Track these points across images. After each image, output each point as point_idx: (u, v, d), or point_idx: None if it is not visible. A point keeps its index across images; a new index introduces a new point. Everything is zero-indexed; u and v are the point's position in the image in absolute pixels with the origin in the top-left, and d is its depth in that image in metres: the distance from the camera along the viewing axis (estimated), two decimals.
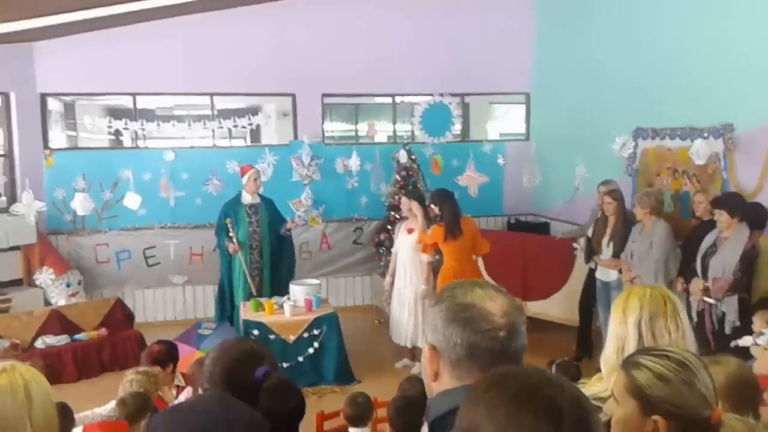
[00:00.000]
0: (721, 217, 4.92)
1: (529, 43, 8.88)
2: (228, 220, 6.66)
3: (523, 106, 9.31)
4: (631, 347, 2.01)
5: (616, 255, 5.97)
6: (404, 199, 6.50)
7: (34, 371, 1.74)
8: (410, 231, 6.43)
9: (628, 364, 1.67)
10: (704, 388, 1.57)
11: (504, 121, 10.53)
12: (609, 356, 2.10)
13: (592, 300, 6.38)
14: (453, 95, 8.74)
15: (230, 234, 6.63)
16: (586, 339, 6.58)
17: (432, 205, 6.14)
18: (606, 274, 6.09)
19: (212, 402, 1.55)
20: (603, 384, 2.07)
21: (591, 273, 6.39)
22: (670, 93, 6.37)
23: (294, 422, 1.94)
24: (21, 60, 7.67)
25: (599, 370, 5.41)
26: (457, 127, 8.94)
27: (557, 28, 8.48)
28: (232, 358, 1.91)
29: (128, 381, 3.86)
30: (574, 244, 6.76)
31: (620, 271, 5.93)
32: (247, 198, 6.82)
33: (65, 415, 3.59)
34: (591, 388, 2.10)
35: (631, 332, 2.04)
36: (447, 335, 1.38)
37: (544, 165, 8.10)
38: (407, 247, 6.42)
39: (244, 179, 6.88)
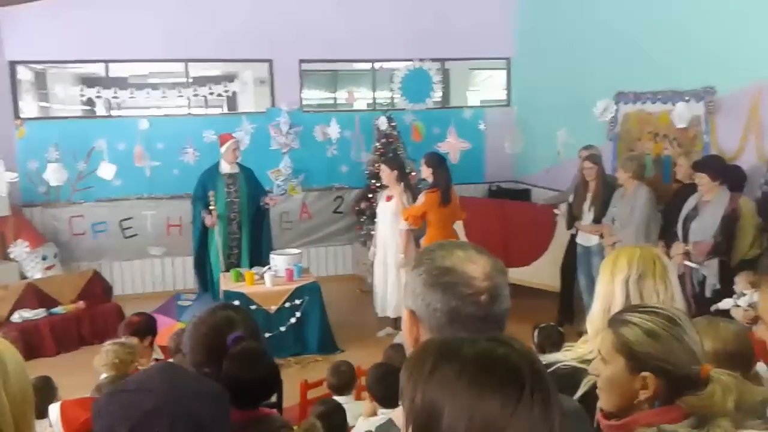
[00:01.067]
0: (702, 180, 4.91)
1: (510, 6, 8.76)
2: (211, 193, 6.49)
3: (504, 72, 9.23)
4: (617, 306, 1.98)
5: (597, 220, 5.97)
6: (384, 167, 6.39)
7: (5, 342, 1.59)
8: (389, 199, 6.38)
9: (616, 321, 1.65)
10: (693, 344, 1.56)
11: (484, 87, 10.44)
12: (595, 316, 2.08)
13: (574, 266, 6.39)
14: (433, 60, 8.63)
15: (211, 207, 6.48)
16: (568, 304, 6.61)
17: (426, 169, 6.08)
18: (587, 239, 6.10)
19: (158, 378, 1.44)
20: (589, 345, 2.05)
21: (572, 239, 6.40)
22: (652, 56, 6.33)
23: (262, 393, 1.84)
24: None
25: (581, 335, 5.43)
26: (438, 94, 8.84)
27: None
28: (209, 325, 1.85)
29: (105, 351, 3.80)
30: (555, 210, 6.75)
31: (602, 236, 5.94)
32: (225, 168, 6.68)
33: (48, 388, 3.53)
34: (577, 349, 2.07)
35: (618, 291, 2.01)
36: (427, 300, 1.32)
37: (525, 131, 8.06)
38: (386, 215, 6.37)
39: (223, 149, 6.70)
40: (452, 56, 8.88)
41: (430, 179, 6.12)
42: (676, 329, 1.56)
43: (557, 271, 6.70)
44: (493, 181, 8.93)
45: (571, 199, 6.32)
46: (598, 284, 2.11)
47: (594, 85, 7.01)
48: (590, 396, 1.75)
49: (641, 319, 1.59)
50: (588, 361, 1.91)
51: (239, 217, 6.67)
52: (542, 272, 6.81)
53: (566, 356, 2.03)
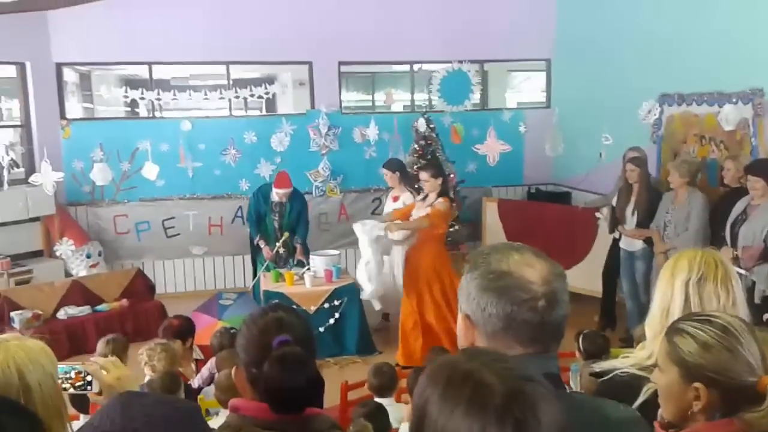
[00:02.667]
0: (757, 184, 4.78)
1: (550, 7, 8.67)
2: (265, 250, 6.65)
3: (543, 74, 9.14)
4: (676, 309, 1.95)
5: (641, 224, 5.86)
6: (385, 170, 6.57)
7: (31, 348, 1.55)
8: (396, 199, 6.52)
9: (672, 330, 1.62)
10: (749, 355, 1.51)
11: (523, 89, 10.36)
12: (654, 318, 2.04)
13: (616, 270, 6.30)
14: (472, 62, 8.58)
15: (261, 246, 6.65)
16: (610, 310, 6.52)
17: (434, 180, 5.74)
18: (631, 243, 6.00)
19: (113, 414, 1.35)
20: (647, 350, 2.01)
21: (615, 243, 6.30)
22: (697, 57, 6.19)
23: (301, 399, 1.76)
24: (36, 30, 7.61)
25: (623, 341, 5.37)
26: (476, 96, 8.79)
27: None
28: (259, 326, 1.82)
29: (147, 354, 3.86)
30: (597, 214, 6.66)
31: (645, 241, 5.83)
32: (275, 197, 6.64)
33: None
34: (636, 355, 2.03)
35: (677, 293, 1.97)
36: (482, 305, 1.30)
37: (565, 133, 7.92)
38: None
39: (279, 190, 6.55)
40: (491, 58, 8.82)
41: (431, 189, 5.78)
42: (730, 339, 1.52)
43: (599, 276, 6.60)
44: (533, 184, 8.85)
45: (614, 202, 6.22)
46: (657, 287, 2.08)
47: (637, 86, 6.89)
48: (651, 404, 1.71)
49: (694, 329, 1.56)
50: (647, 368, 1.88)
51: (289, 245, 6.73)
52: (583, 277, 6.71)
53: (624, 363, 1.99)
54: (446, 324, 5.73)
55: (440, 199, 5.71)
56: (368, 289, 6.09)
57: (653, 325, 2.02)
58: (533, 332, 1.29)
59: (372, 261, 6.00)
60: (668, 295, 1.99)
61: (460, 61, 8.49)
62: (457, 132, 8.39)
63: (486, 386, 0.98)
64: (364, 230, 5.98)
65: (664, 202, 5.67)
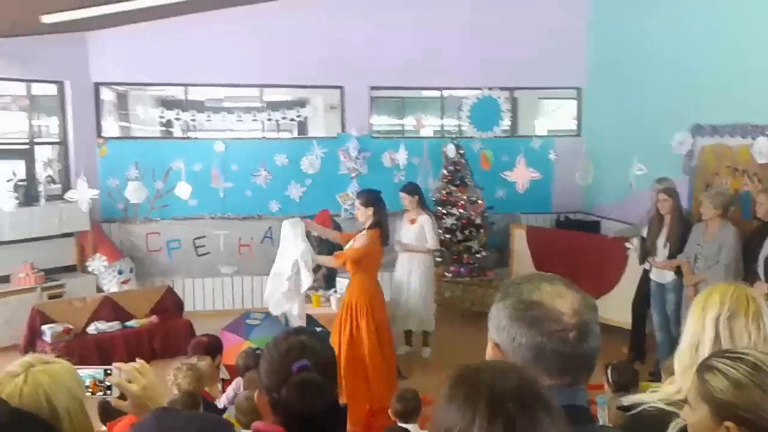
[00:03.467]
0: None
1: (581, 36, 8.71)
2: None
3: (574, 102, 9.15)
4: (706, 345, 1.93)
5: (672, 256, 5.79)
6: (404, 194, 6.57)
7: (57, 372, 1.55)
8: (413, 222, 6.55)
9: (703, 367, 1.61)
10: None
11: (553, 117, 10.35)
12: (683, 354, 2.02)
13: (646, 302, 6.22)
14: (502, 89, 8.62)
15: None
16: (639, 342, 6.43)
17: (365, 209, 5.53)
18: (661, 275, 5.92)
19: (147, 425, 1.38)
20: (675, 385, 1.99)
21: (645, 274, 6.23)
22: (730, 89, 6.16)
23: (318, 426, 1.74)
24: (75, 49, 7.84)
25: (652, 374, 5.27)
26: (506, 122, 8.82)
27: (611, 20, 8.29)
28: (280, 350, 1.82)
29: (173, 374, 3.90)
30: (627, 244, 6.60)
31: (676, 273, 5.75)
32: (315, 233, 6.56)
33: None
34: (664, 390, 2.02)
35: (708, 329, 1.95)
36: (511, 334, 1.30)
37: (596, 162, 7.92)
38: (410, 238, 6.57)
39: (315, 223, 6.50)
40: (522, 85, 8.86)
41: (366, 220, 5.54)
42: (762, 377, 1.51)
43: (628, 307, 6.53)
44: (561, 212, 8.81)
45: (644, 233, 6.17)
46: (687, 321, 2.06)
47: (668, 116, 6.86)
48: None
49: (726, 366, 1.55)
50: (675, 403, 1.86)
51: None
52: (612, 307, 6.63)
53: (652, 397, 1.97)
54: (376, 360, 5.47)
55: (363, 232, 5.50)
56: (282, 305, 5.60)
57: (682, 360, 2.00)
58: (563, 364, 1.28)
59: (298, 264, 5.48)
60: (698, 330, 1.98)
61: (491, 88, 8.53)
62: (487, 158, 8.42)
63: (487, 381, 1.03)
64: (295, 229, 5.47)
65: (694, 234, 5.60)
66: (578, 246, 7.23)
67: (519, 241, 8.06)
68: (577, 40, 8.68)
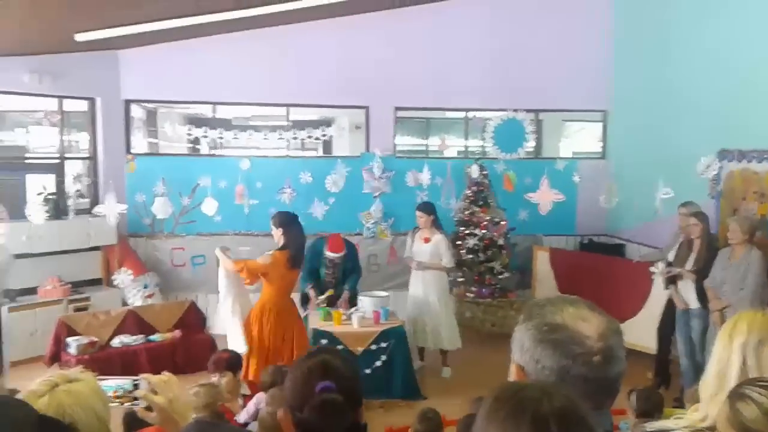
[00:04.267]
0: None
1: (607, 59, 8.70)
2: (311, 291, 6.57)
3: (599, 124, 9.13)
4: (733, 372, 1.91)
5: (699, 281, 5.72)
6: (420, 213, 6.69)
7: (81, 392, 1.57)
8: (427, 240, 6.67)
9: (734, 395, 1.59)
10: None
11: (577, 139, 10.34)
12: (709, 381, 2.00)
13: (671, 327, 6.14)
14: (527, 111, 8.63)
15: (311, 296, 6.58)
16: (664, 368, 6.34)
17: (276, 230, 5.66)
18: (687, 300, 5.85)
19: None
20: (700, 412, 1.97)
21: (670, 299, 6.16)
22: (758, 114, 6.10)
23: None
24: (107, 67, 8.01)
25: (677, 401, 5.19)
26: (530, 144, 8.82)
27: (638, 43, 8.28)
28: (303, 369, 1.82)
29: (194, 393, 3.91)
30: (652, 268, 6.52)
31: (700, 299, 5.68)
32: (331, 255, 6.60)
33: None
34: (689, 417, 1.99)
35: (735, 356, 1.93)
36: (535, 357, 1.30)
37: (621, 185, 7.87)
38: (425, 256, 6.68)
39: (333, 254, 6.53)
40: (546, 107, 8.87)
41: (279, 240, 5.66)
42: None
43: (653, 332, 6.44)
44: (585, 234, 8.76)
45: (670, 257, 6.11)
46: (714, 348, 2.04)
47: (695, 140, 6.81)
48: None
49: (760, 396, 1.53)
50: (700, 431, 1.84)
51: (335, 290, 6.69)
52: (637, 332, 6.54)
53: (677, 424, 1.96)
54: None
55: (269, 252, 5.61)
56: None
57: (708, 388, 1.98)
58: (587, 388, 1.27)
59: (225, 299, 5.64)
60: (725, 358, 1.96)
61: (515, 110, 8.55)
62: (510, 179, 8.41)
63: (532, 400, 1.02)
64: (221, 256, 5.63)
65: (720, 259, 5.54)
66: (602, 269, 7.17)
67: (542, 262, 8.03)
68: (604, 64, 8.68)
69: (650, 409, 3.54)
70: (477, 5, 8.48)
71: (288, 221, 5.69)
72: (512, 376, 1.37)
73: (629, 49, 8.47)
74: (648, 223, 7.58)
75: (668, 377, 6.28)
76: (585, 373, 1.26)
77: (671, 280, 6.03)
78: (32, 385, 1.54)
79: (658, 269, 6.28)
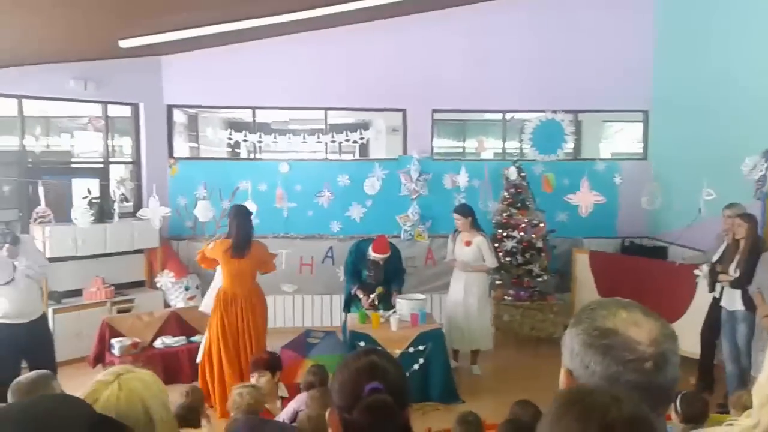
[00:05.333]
0: None
1: (648, 59, 8.56)
2: (377, 291, 6.65)
3: (640, 125, 8.98)
4: None
5: (741, 282, 5.59)
6: (458, 215, 6.75)
7: (146, 380, 1.60)
8: (468, 243, 6.69)
9: None
10: None
11: (617, 140, 10.18)
12: (761, 386, 1.94)
13: (716, 331, 6.00)
14: (566, 112, 8.54)
15: (361, 296, 6.67)
16: (708, 373, 6.20)
17: (230, 220, 5.95)
18: (732, 303, 5.72)
19: None
20: (752, 418, 1.92)
21: (715, 302, 6.02)
22: None
23: None
24: (150, 73, 8.18)
25: (721, 406, 5.08)
26: (569, 145, 8.72)
27: (679, 43, 8.13)
28: (351, 370, 1.82)
29: (237, 394, 3.97)
30: (696, 271, 6.39)
31: (745, 303, 5.55)
32: (375, 257, 6.65)
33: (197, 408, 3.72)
34: (740, 423, 1.94)
35: None
36: (585, 362, 1.26)
37: (663, 186, 7.74)
38: (467, 259, 6.72)
39: (375, 254, 6.60)
40: (586, 108, 8.76)
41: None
42: None
43: (697, 336, 6.31)
44: (627, 237, 8.62)
45: (714, 258, 5.98)
46: (767, 351, 1.99)
47: (739, 140, 6.65)
48: None
49: None
50: None
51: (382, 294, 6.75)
52: (680, 336, 6.34)
53: (729, 431, 1.91)
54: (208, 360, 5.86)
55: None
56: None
57: (761, 393, 1.93)
58: (639, 394, 1.22)
59: None
60: None
61: (554, 111, 8.47)
62: (549, 181, 8.32)
63: (601, 406, 1.01)
64: None
65: (764, 262, 5.40)
66: (644, 272, 7.05)
67: (582, 265, 7.93)
68: (644, 63, 8.55)
69: (695, 415, 3.47)
70: (516, 6, 8.43)
71: (236, 213, 5.94)
72: (562, 380, 1.34)
73: (670, 47, 8.32)
74: (691, 225, 7.42)
75: (711, 382, 6.14)
76: (636, 379, 1.23)
77: (715, 282, 5.90)
78: (97, 377, 1.57)
79: (702, 272, 6.16)
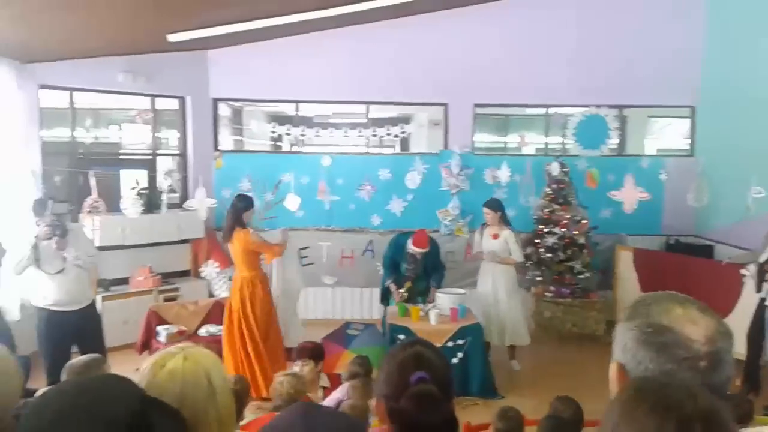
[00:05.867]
0: None
1: (696, 54, 8.38)
2: (406, 286, 6.68)
3: (687, 121, 8.80)
4: None
5: None
6: (488, 209, 6.75)
7: (211, 356, 1.66)
8: (496, 237, 6.70)
9: None
10: None
11: (663, 135, 9.99)
12: None
13: (762, 332, 5.88)
14: (611, 107, 8.42)
15: (402, 290, 6.68)
16: (754, 374, 6.07)
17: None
18: None
19: (295, 419, 1.45)
20: None
21: (761, 303, 5.90)
22: None
23: None
24: (197, 67, 8.33)
25: (766, 408, 4.98)
26: (614, 141, 8.60)
27: (729, 37, 7.94)
28: (398, 360, 1.84)
29: (279, 382, 4.04)
30: (743, 271, 6.26)
31: None
32: (414, 250, 6.63)
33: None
34: None
35: None
36: (638, 358, 1.25)
37: (710, 183, 7.58)
38: (494, 249, 6.70)
39: (415, 248, 6.57)
40: (631, 103, 8.63)
41: None
42: None
43: (742, 337, 6.18)
44: (672, 234, 8.47)
45: (762, 258, 5.85)
46: None
47: None
48: None
49: None
50: None
51: (414, 288, 6.77)
52: None
53: None
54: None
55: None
56: None
57: None
58: None
59: None
60: None
61: (598, 106, 8.36)
62: (593, 177, 8.23)
63: (678, 399, 1.00)
64: None
65: None
66: (689, 271, 6.93)
67: (625, 263, 7.83)
68: (692, 57, 8.37)
69: (741, 416, 3.41)
70: None
71: (233, 203, 6.21)
72: (613, 373, 1.33)
73: (720, 40, 8.13)
74: (738, 223, 7.27)
75: (758, 384, 6.02)
76: (690, 378, 1.21)
77: (762, 282, 5.77)
78: (160, 351, 1.63)
79: (750, 272, 6.03)
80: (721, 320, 1.28)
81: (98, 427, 1.14)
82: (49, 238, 4.99)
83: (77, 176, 7.49)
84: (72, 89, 7.44)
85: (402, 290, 6.65)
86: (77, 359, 3.42)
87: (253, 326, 5.98)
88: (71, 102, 7.48)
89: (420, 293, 6.75)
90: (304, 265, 8.11)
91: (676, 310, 1.27)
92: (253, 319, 5.99)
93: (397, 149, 9.34)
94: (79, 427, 1.13)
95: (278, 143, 8.86)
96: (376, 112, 8.82)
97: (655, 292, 1.38)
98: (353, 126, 8.59)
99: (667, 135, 9.86)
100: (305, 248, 8.33)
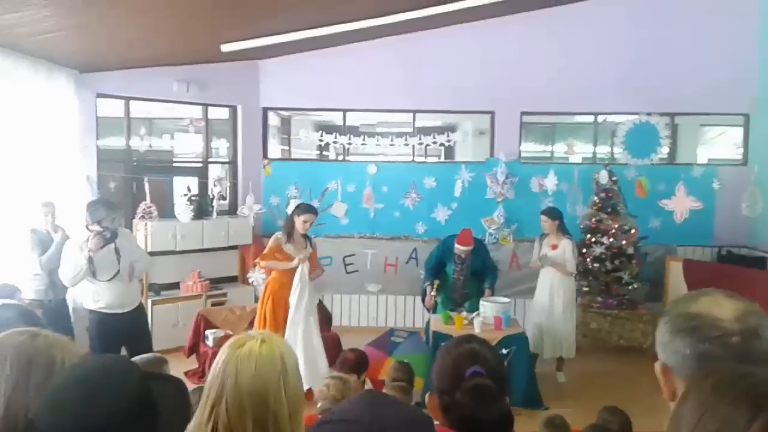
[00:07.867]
0: None
1: (750, 59, 8.16)
2: (436, 283, 6.68)
3: (740, 129, 8.58)
4: None
5: None
6: (545, 217, 6.67)
7: (286, 342, 1.74)
8: (554, 247, 6.62)
9: None
10: None
11: (715, 144, 9.76)
12: None
13: None
14: (662, 115, 8.27)
15: (432, 293, 6.67)
16: None
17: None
18: None
19: (362, 408, 1.46)
20: None
21: None
22: None
23: None
24: (248, 77, 8.51)
25: None
26: (664, 149, 8.44)
27: None
28: (453, 356, 1.86)
29: (325, 385, 4.08)
30: None
31: None
32: (459, 249, 6.66)
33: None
34: None
35: None
36: (676, 348, 1.31)
37: (764, 193, 7.39)
38: (554, 261, 6.62)
39: (461, 247, 6.59)
40: (683, 111, 8.45)
41: None
42: None
43: None
44: (724, 245, 8.25)
45: None
46: None
47: None
48: None
49: None
50: None
51: (463, 287, 6.77)
52: None
53: None
54: None
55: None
56: None
57: None
58: None
59: None
60: None
61: (648, 113, 8.23)
62: (642, 186, 8.09)
63: (762, 388, 0.99)
64: None
65: None
66: (742, 283, 6.72)
67: (675, 274, 7.66)
68: (746, 63, 8.16)
69: None
70: (610, 4, 8.24)
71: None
72: (659, 375, 1.37)
73: None
74: None
75: None
76: (725, 354, 1.25)
77: None
78: (239, 335, 1.71)
79: None
80: (750, 302, 1.31)
81: (113, 399, 1.35)
82: (101, 248, 5.11)
83: (131, 183, 7.72)
84: (128, 98, 7.66)
85: (433, 293, 6.64)
86: (140, 357, 3.53)
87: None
88: (127, 110, 7.72)
89: (471, 296, 6.71)
90: (348, 273, 8.20)
91: (703, 298, 1.34)
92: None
93: (442, 158, 9.36)
94: (93, 406, 1.34)
95: (325, 152, 8.98)
96: (422, 120, 8.86)
97: (687, 292, 1.45)
98: (399, 134, 8.65)
99: (719, 144, 9.63)
100: (350, 256, 8.42)
